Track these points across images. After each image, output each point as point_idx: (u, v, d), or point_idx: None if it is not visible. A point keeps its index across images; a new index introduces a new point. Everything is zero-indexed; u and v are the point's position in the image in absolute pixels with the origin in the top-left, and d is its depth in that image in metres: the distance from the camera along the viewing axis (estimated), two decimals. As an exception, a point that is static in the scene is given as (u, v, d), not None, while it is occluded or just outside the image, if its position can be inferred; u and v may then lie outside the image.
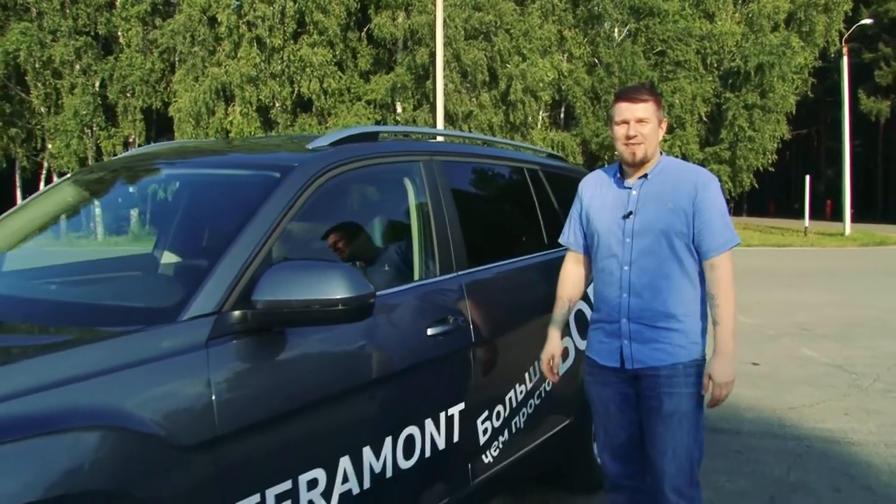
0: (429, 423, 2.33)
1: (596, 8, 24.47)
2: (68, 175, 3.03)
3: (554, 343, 2.59)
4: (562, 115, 26.33)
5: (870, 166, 40.10)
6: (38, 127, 24.35)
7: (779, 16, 25.78)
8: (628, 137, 2.33)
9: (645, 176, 2.40)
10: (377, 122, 21.43)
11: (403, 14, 21.20)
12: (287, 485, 1.88)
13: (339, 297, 1.80)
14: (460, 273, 2.58)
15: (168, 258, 2.89)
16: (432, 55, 19.12)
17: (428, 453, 2.33)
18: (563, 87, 23.80)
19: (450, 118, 19.94)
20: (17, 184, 26.17)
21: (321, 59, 20.48)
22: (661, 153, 2.45)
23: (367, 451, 2.10)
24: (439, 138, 4.67)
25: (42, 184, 26.28)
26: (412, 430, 2.26)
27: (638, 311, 2.38)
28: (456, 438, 2.45)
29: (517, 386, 2.82)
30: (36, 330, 1.83)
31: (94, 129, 23.73)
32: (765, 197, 39.72)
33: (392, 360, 2.22)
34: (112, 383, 1.58)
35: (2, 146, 24.03)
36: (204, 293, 1.81)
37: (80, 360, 1.59)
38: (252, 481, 1.80)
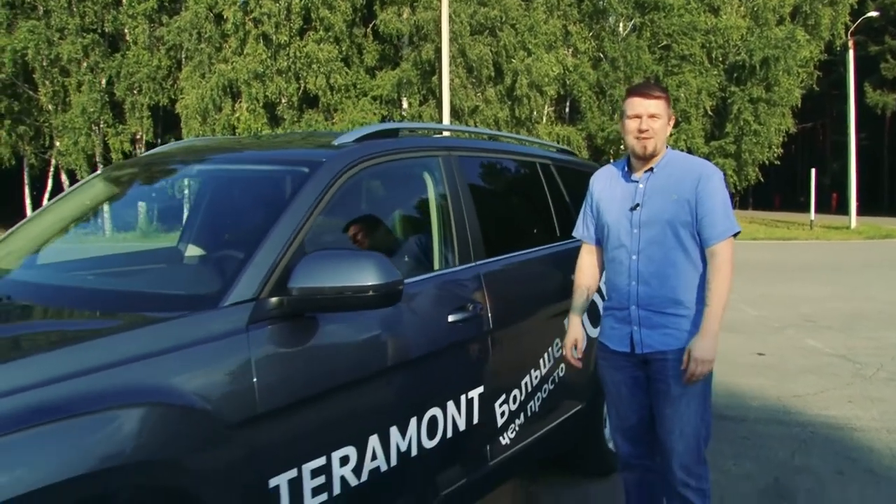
0: (450, 405, 2.46)
1: (601, 2, 24.51)
2: (98, 172, 3.16)
3: (576, 329, 2.71)
4: (566, 110, 26.40)
5: (876, 159, 40.03)
6: (47, 125, 24.52)
7: (784, 9, 25.77)
8: (640, 131, 2.45)
9: (651, 170, 2.52)
10: (383, 118, 21.52)
11: (409, 10, 21.28)
12: (321, 461, 2.00)
13: (370, 283, 1.93)
14: (478, 263, 2.70)
15: (192, 251, 3.02)
16: (438, 51, 19.22)
17: (449, 434, 2.45)
18: (568, 82, 23.86)
19: (456, 113, 20.03)
20: (26, 181, 26.36)
21: (327, 56, 20.56)
22: (666, 147, 2.57)
23: (394, 431, 2.23)
24: (446, 133, 4.78)
25: (50, 181, 26.47)
26: (435, 411, 2.39)
27: (646, 298, 2.50)
28: (475, 420, 2.58)
29: (532, 371, 2.94)
30: (89, 315, 1.96)
31: (102, 126, 23.89)
32: (770, 190, 39.69)
33: (416, 345, 2.34)
34: (163, 364, 1.71)
35: (10, 144, 24.19)
36: (243, 281, 1.93)
37: (134, 342, 1.72)
38: (289, 457, 1.92)
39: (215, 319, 1.86)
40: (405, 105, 21.81)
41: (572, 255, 3.32)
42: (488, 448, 2.69)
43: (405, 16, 21.22)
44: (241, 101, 21.30)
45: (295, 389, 1.93)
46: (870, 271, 12.88)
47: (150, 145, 25.42)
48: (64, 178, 25.45)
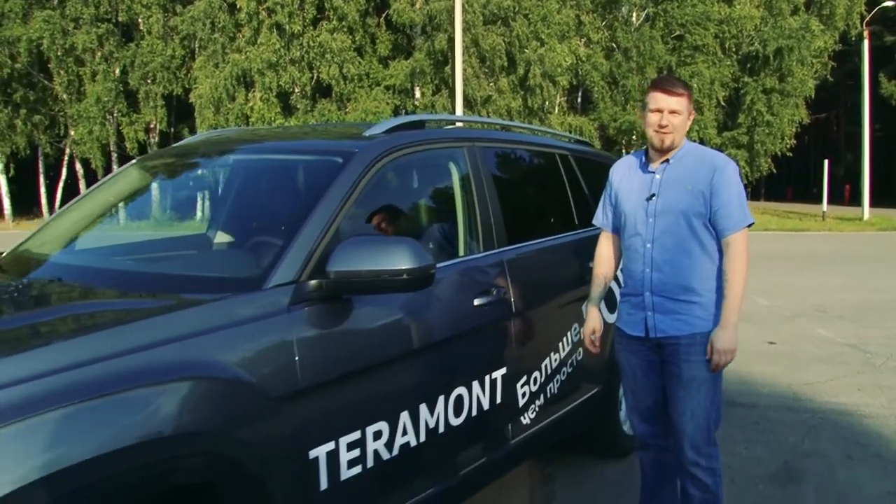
0: (475, 385, 2.58)
1: (614, -8, 24.44)
2: (133, 161, 3.28)
3: (594, 319, 2.81)
4: (579, 100, 26.38)
5: (890, 151, 39.75)
6: (61, 114, 24.74)
7: (798, -1, 25.62)
8: (660, 126, 2.54)
9: (667, 161, 2.61)
10: (396, 108, 21.59)
11: (422, 0, 21.31)
12: (357, 434, 2.13)
13: (404, 267, 2.04)
14: (501, 250, 2.82)
15: (226, 237, 3.15)
16: (451, 41, 19.25)
17: (474, 412, 2.57)
18: (580, 72, 23.84)
19: (468, 103, 20.08)
20: (41, 170, 26.63)
21: (340, 45, 20.63)
22: (685, 139, 2.65)
23: (423, 408, 2.35)
24: (459, 124, 4.88)
25: (64, 170, 26.73)
26: (461, 390, 2.51)
27: (660, 284, 2.60)
28: (498, 400, 2.70)
29: (552, 354, 3.05)
30: (141, 296, 2.08)
31: (116, 115, 24.09)
32: (783, 181, 39.54)
33: (444, 327, 2.46)
34: (214, 341, 1.83)
35: (25, 133, 24.43)
36: (284, 265, 2.05)
37: (186, 321, 1.85)
38: (328, 430, 2.05)
39: (259, 300, 1.98)
40: (418, 95, 21.87)
41: (590, 243, 3.43)
42: (510, 427, 2.82)
43: (418, 5, 21.25)
44: (254, 91, 21.41)
45: (333, 367, 2.05)
46: (881, 262, 12.90)
47: (163, 135, 25.61)
48: (78, 167, 25.70)
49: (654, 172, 2.64)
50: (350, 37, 21.14)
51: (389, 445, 2.23)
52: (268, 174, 2.77)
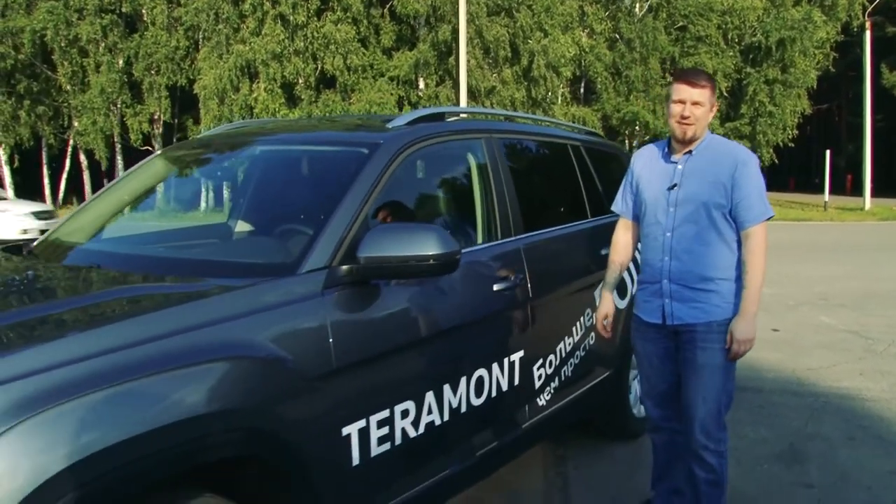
0: (495, 366, 2.69)
1: (617, -17, 24.44)
2: (158, 152, 3.38)
3: (607, 304, 2.89)
4: (581, 91, 26.41)
5: (891, 141, 39.72)
6: (65, 105, 24.81)
7: (801, -11, 25.60)
8: (683, 117, 2.59)
9: (690, 152, 2.68)
10: (400, 99, 21.64)
11: (426, -10, 21.32)
12: (386, 413, 2.23)
13: (431, 253, 2.14)
14: (518, 237, 2.92)
15: (241, 227, 3.26)
16: (455, 31, 19.27)
17: (494, 393, 2.68)
18: (584, 63, 23.87)
19: (472, 94, 20.11)
20: (44, 161, 26.71)
21: (344, 36, 20.67)
22: (707, 131, 2.70)
23: (446, 388, 2.46)
24: (462, 115, 4.97)
25: (68, 161, 26.81)
26: (482, 372, 2.62)
27: (678, 272, 2.67)
28: (516, 382, 2.81)
29: (566, 339, 3.16)
30: (183, 281, 2.18)
31: (120, 106, 24.16)
32: (785, 172, 39.53)
33: (466, 311, 2.57)
34: (254, 322, 1.93)
35: (29, 124, 24.51)
36: (317, 251, 2.16)
37: (227, 304, 1.95)
38: (359, 409, 2.15)
39: (295, 284, 2.08)
40: (422, 86, 21.92)
41: (601, 231, 3.55)
42: (527, 408, 2.93)
43: (422, -4, 21.26)
44: (258, 82, 21.46)
45: (363, 348, 2.16)
46: (883, 252, 13.00)
47: (167, 126, 25.69)
48: (82, 158, 25.78)
49: (676, 163, 2.70)
50: (354, 28, 21.18)
51: (416, 424, 2.34)
52: (296, 164, 2.86)
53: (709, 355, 2.66)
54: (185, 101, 25.99)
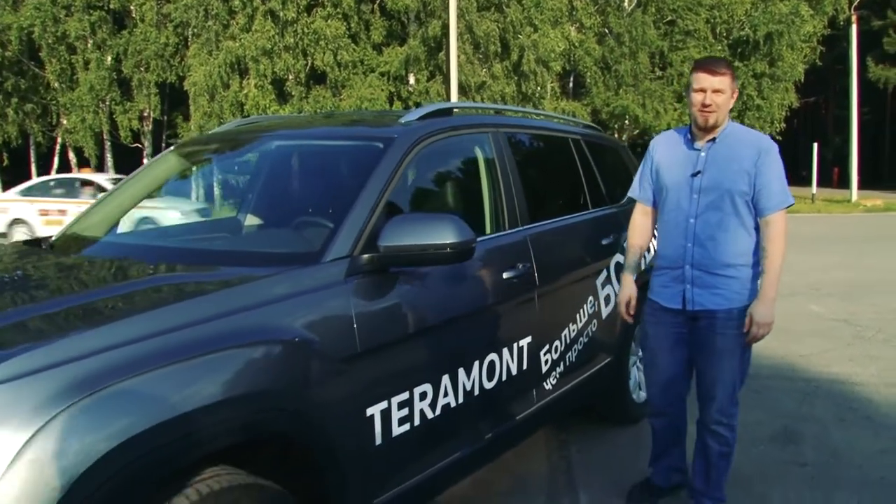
0: (505, 351, 2.80)
1: (606, -23, 24.54)
2: (171, 147, 3.46)
3: (629, 287, 2.97)
4: (570, 85, 26.53)
5: (877, 134, 40.16)
6: (54, 102, 24.68)
7: (788, -17, 25.78)
8: (704, 105, 2.66)
9: (714, 140, 2.73)
10: (390, 94, 21.68)
11: (416, -14, 21.35)
12: (405, 395, 2.34)
13: (448, 241, 2.25)
14: (524, 227, 3.03)
15: (251, 220, 3.35)
16: (445, 27, 19.32)
17: (504, 377, 2.80)
18: (573, 57, 23.98)
19: (462, 89, 20.18)
20: (32, 159, 26.57)
21: (335, 32, 20.67)
22: (728, 119, 2.77)
23: (461, 372, 2.57)
24: (453, 108, 5.08)
25: (56, 159, 26.68)
26: (493, 356, 2.73)
27: (701, 259, 2.75)
28: (525, 366, 2.93)
29: (570, 325, 3.28)
30: (215, 270, 2.28)
31: (109, 103, 24.05)
32: (772, 165, 39.81)
33: (478, 298, 2.69)
34: (285, 308, 2.03)
35: (17, 122, 24.39)
36: (339, 241, 2.26)
37: (258, 291, 2.05)
38: (381, 391, 2.25)
39: (319, 272, 2.18)
40: (412, 81, 21.97)
41: (602, 222, 3.67)
42: (534, 392, 3.04)
43: (412, -8, 21.29)
44: (249, 78, 21.43)
45: (385, 333, 2.26)
46: (870, 243, 13.22)
47: (157, 123, 25.60)
48: (71, 155, 25.66)
49: (699, 150, 2.76)
50: (344, 23, 21.18)
51: (433, 405, 2.45)
52: (313, 159, 2.96)
53: (728, 340, 2.76)
54: (174, 98, 25.92)
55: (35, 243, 3.01)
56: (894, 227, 16.87)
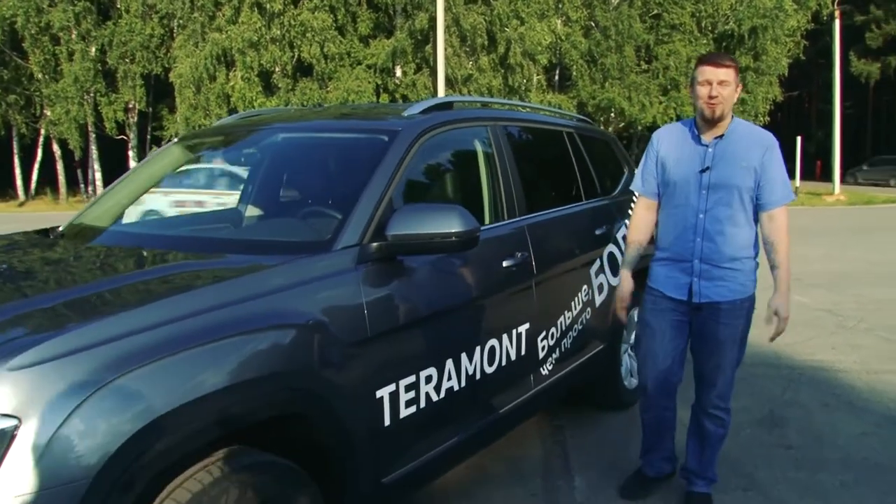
0: (504, 337, 2.90)
1: (592, -29, 24.65)
2: (175, 140, 3.52)
3: (628, 284, 3.04)
4: (556, 78, 26.65)
5: (860, 128, 40.67)
6: (37, 93, 24.44)
7: (772, -22, 26.01)
8: (710, 97, 2.70)
9: (721, 136, 2.79)
10: (377, 87, 21.69)
11: (403, -22, 21.37)
12: (412, 378, 2.43)
13: (454, 230, 2.34)
14: (522, 218, 3.13)
15: (251, 212, 3.42)
16: (432, 20, 19.39)
17: (504, 362, 2.90)
18: (560, 50, 24.09)
19: (449, 82, 20.26)
20: (15, 150, 26.32)
21: (321, 24, 20.66)
22: (732, 115, 2.83)
23: (464, 357, 2.66)
24: (450, 102, 5.15)
25: (40, 150, 26.45)
26: (493, 342, 2.83)
27: (709, 253, 2.82)
28: (523, 352, 3.03)
29: (566, 313, 3.39)
30: (229, 258, 2.36)
31: (94, 95, 23.85)
32: (755, 158, 40.16)
33: (480, 286, 2.78)
34: (299, 293, 2.11)
35: (0, 113, 24.14)
36: (349, 230, 2.34)
37: (273, 277, 2.13)
38: (390, 374, 2.34)
39: (331, 260, 2.26)
40: (399, 74, 22.00)
41: (596, 213, 3.77)
42: (532, 377, 3.15)
43: (399, -16, 21.31)
44: (235, 70, 21.37)
45: (393, 318, 2.36)
46: (852, 235, 13.47)
47: (142, 114, 25.44)
48: (55, 147, 25.44)
49: (707, 146, 2.81)
50: (331, 15, 21.16)
51: (437, 388, 2.55)
52: (320, 151, 3.03)
53: (730, 330, 2.85)
54: (160, 90, 25.78)
55: (44, 233, 3.07)
56: (876, 218, 17.17)
